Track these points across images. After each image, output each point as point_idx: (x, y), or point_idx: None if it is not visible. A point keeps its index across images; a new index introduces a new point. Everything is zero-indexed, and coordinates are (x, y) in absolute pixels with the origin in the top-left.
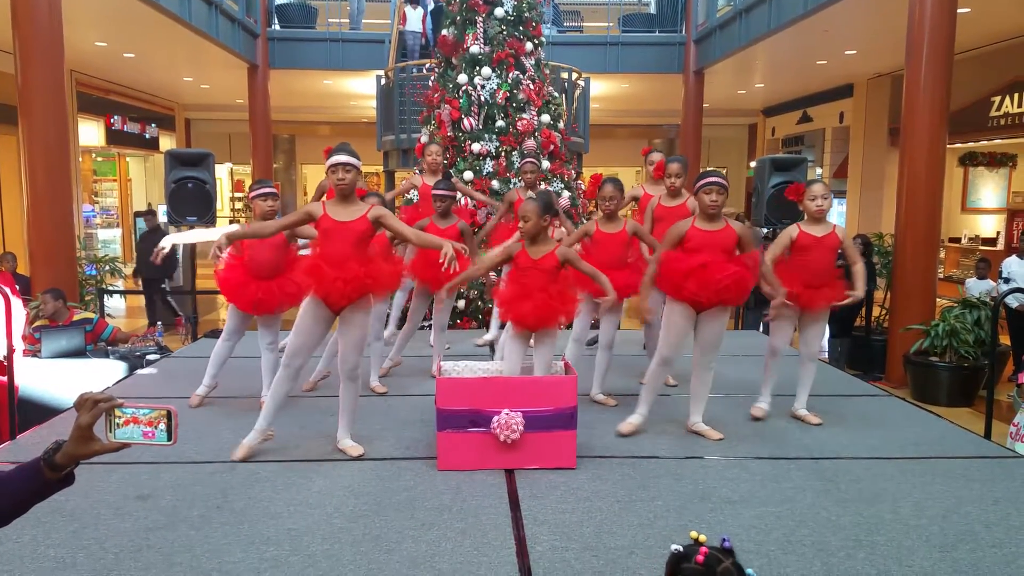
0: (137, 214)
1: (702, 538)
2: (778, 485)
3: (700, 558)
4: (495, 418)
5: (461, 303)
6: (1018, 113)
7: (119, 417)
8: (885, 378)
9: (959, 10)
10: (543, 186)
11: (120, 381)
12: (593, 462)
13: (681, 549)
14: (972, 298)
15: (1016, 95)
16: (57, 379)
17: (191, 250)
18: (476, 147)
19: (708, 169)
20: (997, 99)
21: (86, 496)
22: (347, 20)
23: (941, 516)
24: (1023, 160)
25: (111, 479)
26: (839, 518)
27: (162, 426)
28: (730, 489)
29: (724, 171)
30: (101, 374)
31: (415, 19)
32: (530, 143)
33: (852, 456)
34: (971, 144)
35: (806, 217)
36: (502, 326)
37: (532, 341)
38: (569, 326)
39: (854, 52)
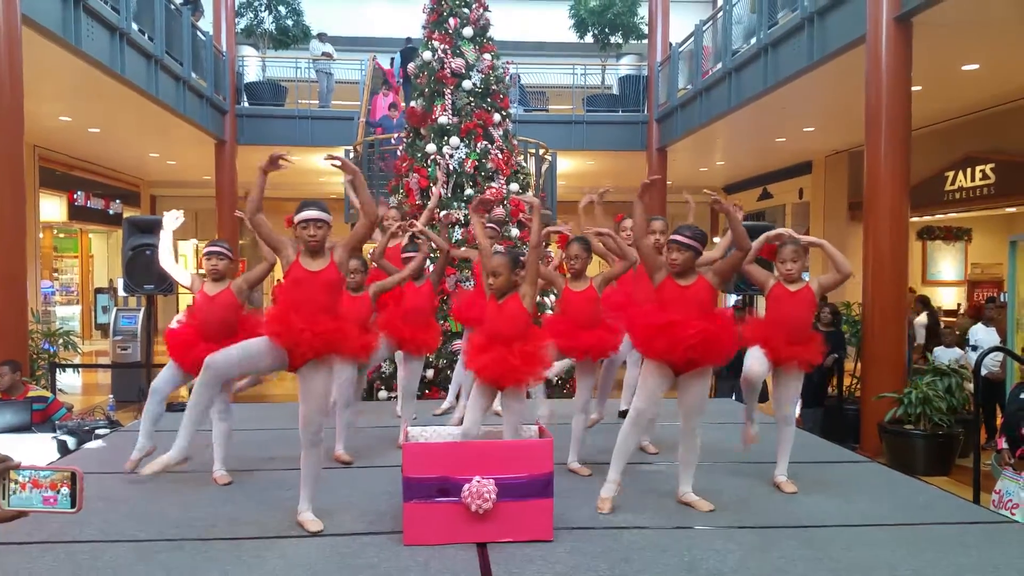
0: None
1: None
2: (767, 555)
3: None
4: (465, 486)
5: (430, 372)
6: (972, 187)
7: (15, 481)
8: (860, 447)
9: (912, 88)
10: None
11: (65, 456)
12: (571, 534)
13: None
14: (942, 366)
15: (969, 170)
16: None
17: (149, 323)
18: (444, 215)
19: (682, 224)
20: (951, 174)
21: None
22: (315, 101)
23: None
24: (978, 233)
25: (44, 559)
26: None
27: (65, 490)
28: (718, 561)
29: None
30: (42, 450)
31: (385, 106)
32: (499, 211)
33: (840, 524)
34: (928, 218)
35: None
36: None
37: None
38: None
39: (812, 129)
